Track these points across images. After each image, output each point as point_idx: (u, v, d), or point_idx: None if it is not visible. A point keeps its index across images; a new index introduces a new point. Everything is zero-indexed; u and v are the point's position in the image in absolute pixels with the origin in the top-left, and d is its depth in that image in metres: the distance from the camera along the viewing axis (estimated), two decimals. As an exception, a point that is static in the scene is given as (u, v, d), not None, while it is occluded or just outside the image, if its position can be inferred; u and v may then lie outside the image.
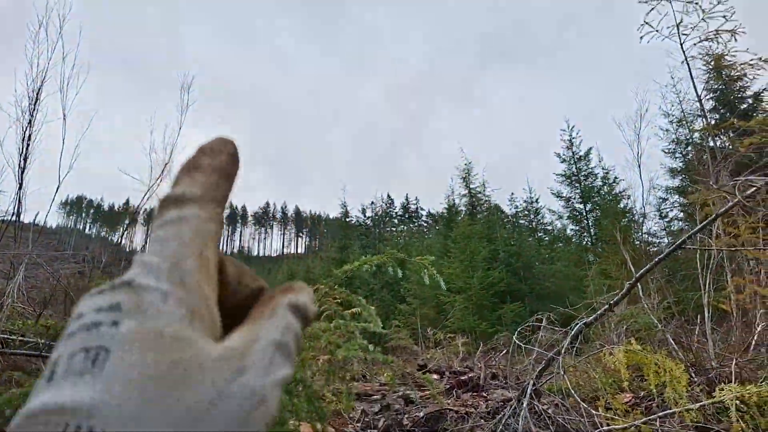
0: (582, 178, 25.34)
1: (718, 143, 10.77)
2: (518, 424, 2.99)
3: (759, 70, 9.30)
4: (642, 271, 3.59)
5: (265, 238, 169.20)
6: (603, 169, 25.36)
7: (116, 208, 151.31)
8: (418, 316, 17.10)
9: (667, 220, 21.07)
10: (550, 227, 30.63)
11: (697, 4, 9.08)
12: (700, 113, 16.98)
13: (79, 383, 0.23)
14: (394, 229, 55.11)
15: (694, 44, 9.73)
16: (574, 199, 25.36)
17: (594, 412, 3.03)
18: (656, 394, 3.28)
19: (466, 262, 18.26)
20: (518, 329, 5.30)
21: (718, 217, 3.46)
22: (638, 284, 4.44)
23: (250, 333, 0.28)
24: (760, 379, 3.31)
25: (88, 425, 0.21)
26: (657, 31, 9.60)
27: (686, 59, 9.74)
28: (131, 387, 0.23)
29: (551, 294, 17.59)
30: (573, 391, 3.30)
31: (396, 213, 64.42)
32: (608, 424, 2.90)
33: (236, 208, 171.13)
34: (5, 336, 3.97)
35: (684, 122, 19.35)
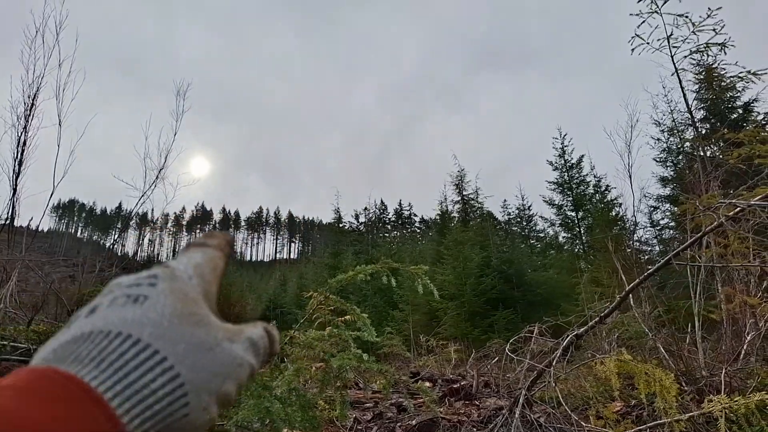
0: (574, 185, 25.42)
1: (708, 153, 10.88)
2: (510, 433, 3.01)
3: (748, 82, 9.41)
4: (632, 285, 3.63)
5: (257, 243, 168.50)
6: (595, 176, 25.48)
7: (109, 212, 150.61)
8: (410, 323, 17.09)
9: (658, 228, 21.18)
10: (542, 234, 30.78)
11: (687, 17, 9.18)
12: (690, 123, 17.12)
13: (123, 310, 0.33)
14: (387, 235, 55.07)
15: (685, 57, 9.84)
16: (566, 206, 25.42)
17: (584, 424, 3.05)
18: (646, 403, 3.30)
19: (458, 269, 18.25)
20: (510, 340, 5.32)
21: (704, 235, 3.50)
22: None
23: (238, 328, 0.39)
24: (750, 388, 3.34)
25: (129, 332, 0.31)
26: (648, 43, 9.70)
27: (677, 71, 9.84)
28: (164, 315, 0.33)
29: (543, 301, 17.58)
30: (564, 401, 3.32)
31: (389, 219, 64.42)
32: (599, 434, 2.92)
33: (229, 212, 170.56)
34: (-3, 342, 3.95)
35: (675, 131, 19.47)
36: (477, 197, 28.26)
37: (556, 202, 25.70)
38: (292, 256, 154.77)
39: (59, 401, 0.27)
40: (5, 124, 7.63)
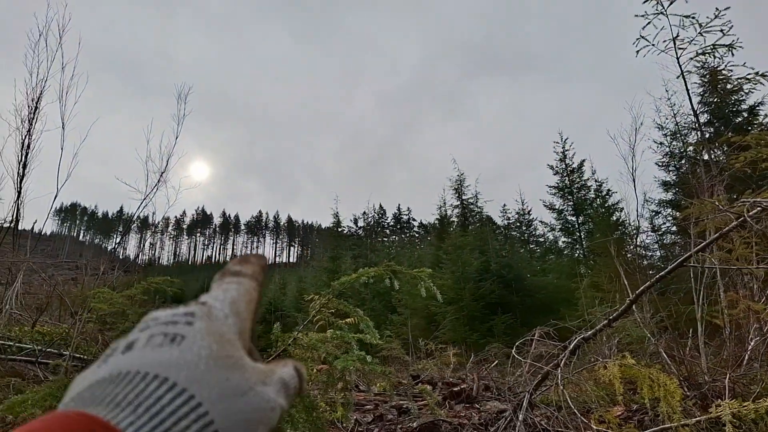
0: (575, 190, 25.36)
1: (712, 157, 10.80)
2: (513, 437, 2.99)
3: (756, 84, 9.32)
4: (642, 287, 3.60)
5: (257, 247, 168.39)
6: (596, 181, 25.39)
7: (110, 215, 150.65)
8: (409, 327, 17.04)
9: (659, 233, 21.10)
10: (542, 239, 30.70)
11: (694, 18, 9.11)
12: (695, 126, 17.04)
13: (161, 351, 0.33)
14: (385, 239, 55.05)
15: (691, 59, 9.76)
16: (567, 211, 25.36)
17: (588, 425, 3.03)
18: (650, 407, 3.28)
19: (457, 274, 18.23)
20: (517, 343, 5.29)
21: (725, 234, 3.47)
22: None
23: (270, 368, 0.39)
24: (753, 394, 3.32)
25: (166, 375, 0.31)
26: (653, 45, 9.64)
27: (683, 74, 9.76)
28: (201, 357, 0.33)
29: (542, 306, 17.52)
30: (568, 404, 3.30)
31: (388, 223, 64.44)
32: (603, 438, 2.89)
33: (229, 216, 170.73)
34: (2, 342, 3.96)
35: (678, 135, 19.40)
36: (476, 202, 28.20)
37: (557, 207, 25.63)
38: (291, 260, 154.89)
39: None
40: (9, 127, 7.65)
